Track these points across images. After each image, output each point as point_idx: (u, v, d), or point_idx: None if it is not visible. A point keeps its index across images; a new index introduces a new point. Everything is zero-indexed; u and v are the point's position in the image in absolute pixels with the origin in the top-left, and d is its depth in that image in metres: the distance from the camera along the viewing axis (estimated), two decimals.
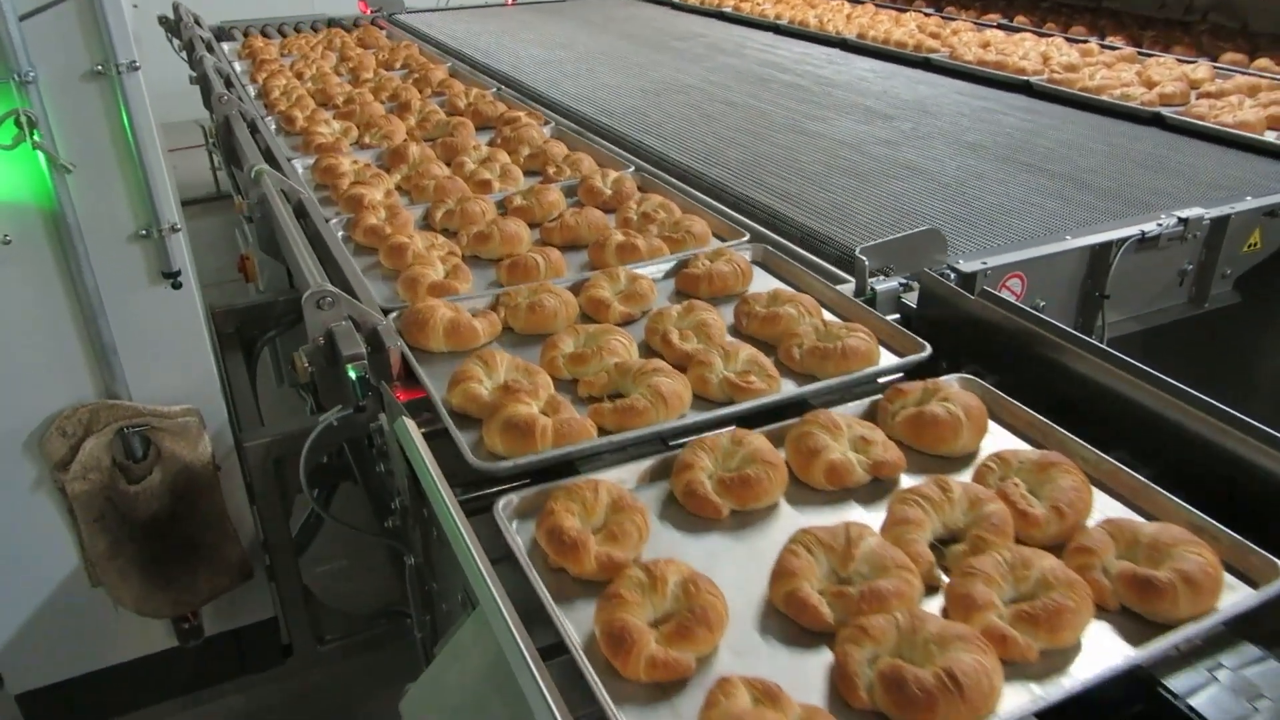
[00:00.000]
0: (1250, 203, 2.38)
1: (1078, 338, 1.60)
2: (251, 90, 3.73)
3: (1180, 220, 2.25)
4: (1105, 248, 2.18)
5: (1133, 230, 2.20)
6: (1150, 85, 3.42)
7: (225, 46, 4.62)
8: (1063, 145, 2.96)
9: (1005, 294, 1.98)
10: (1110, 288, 2.20)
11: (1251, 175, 2.63)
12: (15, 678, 2.33)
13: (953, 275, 1.99)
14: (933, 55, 4.17)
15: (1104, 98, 3.37)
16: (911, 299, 1.93)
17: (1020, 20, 4.88)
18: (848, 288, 1.95)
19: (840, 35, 4.73)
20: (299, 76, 3.83)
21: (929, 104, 3.53)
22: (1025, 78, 3.69)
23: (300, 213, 2.46)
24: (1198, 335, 2.49)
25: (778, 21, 5.20)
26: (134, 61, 1.96)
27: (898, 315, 1.91)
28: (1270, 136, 2.91)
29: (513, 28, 5.31)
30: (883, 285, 1.94)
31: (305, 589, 2.55)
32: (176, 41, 4.82)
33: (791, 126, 3.24)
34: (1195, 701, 1.07)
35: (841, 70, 4.15)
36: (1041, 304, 2.14)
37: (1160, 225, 2.23)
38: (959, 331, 1.79)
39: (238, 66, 4.22)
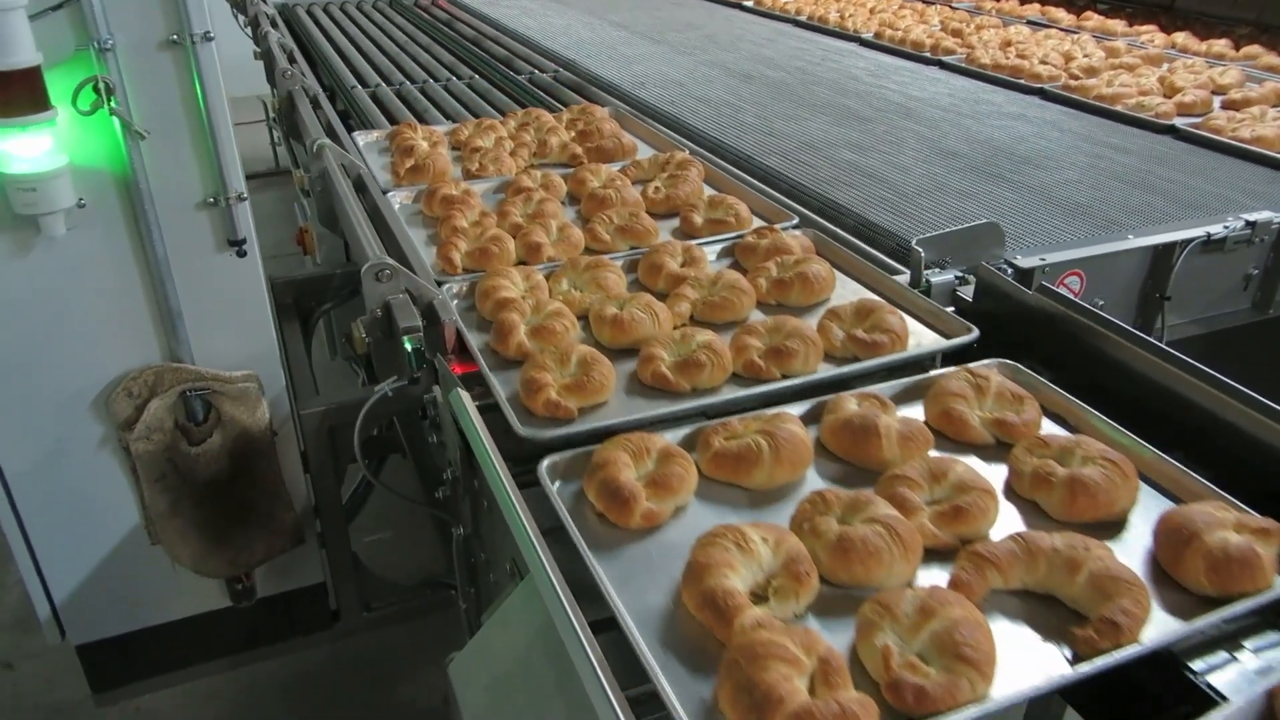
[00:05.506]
0: None
1: (1138, 336, 1.58)
2: (426, 257, 2.07)
3: (1248, 223, 2.20)
4: (1168, 248, 2.14)
5: (1198, 232, 2.16)
6: (1171, 92, 3.26)
7: (359, 140, 2.86)
8: (1042, 155, 2.82)
9: (1063, 291, 1.96)
10: (1172, 289, 2.16)
11: (1239, 195, 2.50)
12: (76, 629, 2.42)
13: (1009, 270, 1.97)
14: (946, 59, 4.05)
15: (1118, 108, 3.23)
16: (967, 292, 1.92)
17: (1050, 13, 4.72)
18: (903, 278, 1.94)
19: (857, 32, 4.63)
20: (528, 244, 2.07)
21: (914, 106, 3.38)
22: (1040, 85, 3.56)
23: (360, 187, 2.50)
24: (1262, 341, 2.43)
25: (797, 16, 5.12)
26: (208, 32, 2.01)
27: (953, 308, 1.90)
28: None
29: (513, 14, 5.24)
30: (938, 277, 1.94)
31: (354, 556, 2.61)
32: (242, 17, 4.92)
33: (760, 127, 3.12)
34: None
35: (834, 68, 4.02)
36: (1100, 303, 2.10)
37: (1227, 228, 2.19)
38: (1014, 326, 1.78)
39: (396, 200, 2.40)
